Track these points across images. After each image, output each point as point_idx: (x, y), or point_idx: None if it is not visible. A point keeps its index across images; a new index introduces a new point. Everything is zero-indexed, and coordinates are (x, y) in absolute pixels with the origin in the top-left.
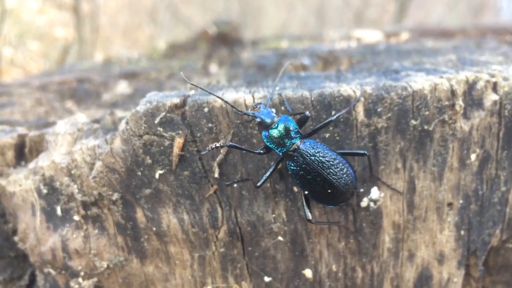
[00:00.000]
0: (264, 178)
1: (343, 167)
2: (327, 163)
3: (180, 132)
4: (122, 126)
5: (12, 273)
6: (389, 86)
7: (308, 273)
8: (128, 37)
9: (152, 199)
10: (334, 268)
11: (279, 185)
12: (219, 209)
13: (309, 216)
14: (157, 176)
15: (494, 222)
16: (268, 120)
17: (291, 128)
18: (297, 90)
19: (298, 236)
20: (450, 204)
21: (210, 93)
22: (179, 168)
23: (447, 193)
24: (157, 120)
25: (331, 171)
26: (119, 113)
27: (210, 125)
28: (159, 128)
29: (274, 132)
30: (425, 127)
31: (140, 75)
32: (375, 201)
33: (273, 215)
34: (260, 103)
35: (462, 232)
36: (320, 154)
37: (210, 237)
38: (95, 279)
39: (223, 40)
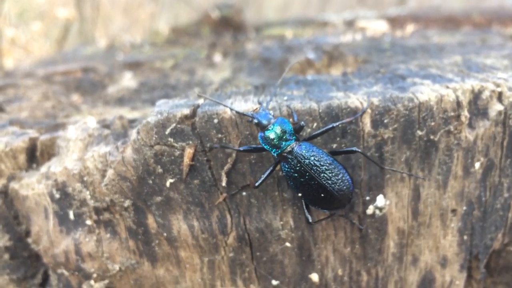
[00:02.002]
0: (262, 179)
1: (338, 172)
2: (321, 167)
3: (190, 142)
4: (133, 135)
5: (25, 272)
6: (396, 98)
7: (314, 277)
8: (128, 15)
9: (163, 206)
10: (340, 272)
11: (286, 193)
12: (228, 216)
13: (309, 218)
14: (167, 184)
15: (497, 226)
16: (264, 122)
17: (286, 130)
18: (305, 101)
19: (305, 242)
20: (453, 211)
21: (221, 104)
22: (189, 177)
23: (451, 200)
24: (167, 131)
25: (325, 175)
26: (127, 113)
27: (219, 135)
28: (169, 139)
29: (269, 134)
30: (431, 137)
31: (144, 64)
32: (380, 209)
33: (281, 222)
34: (261, 105)
35: (465, 237)
36: (315, 158)
37: (220, 243)
38: (107, 281)
39: (226, 24)
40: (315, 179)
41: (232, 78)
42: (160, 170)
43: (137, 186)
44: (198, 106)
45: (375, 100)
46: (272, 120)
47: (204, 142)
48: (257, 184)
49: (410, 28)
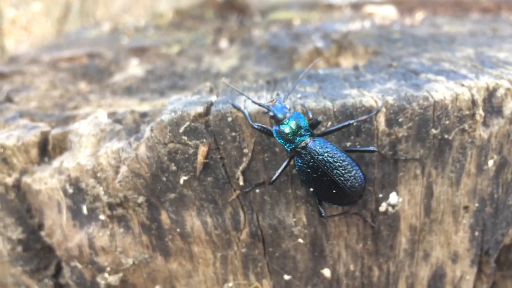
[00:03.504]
0: (277, 174)
1: (351, 169)
2: (334, 163)
3: (204, 140)
4: (147, 133)
5: (38, 263)
6: (411, 96)
7: (326, 272)
8: None
9: (177, 203)
10: (351, 267)
11: (300, 191)
12: (241, 213)
13: (322, 212)
14: (181, 182)
15: (508, 222)
16: (280, 116)
17: (301, 126)
18: (319, 99)
19: (317, 238)
20: (466, 207)
21: (242, 94)
22: (203, 174)
23: (463, 197)
24: (181, 129)
25: (338, 172)
26: (136, 105)
27: (233, 134)
28: (183, 137)
29: (284, 128)
30: (445, 136)
31: (149, 50)
32: (393, 206)
33: (294, 219)
34: (278, 97)
35: (477, 233)
36: (329, 154)
37: (233, 238)
38: (121, 274)
39: (231, 7)
40: (327, 175)
41: (240, 66)
42: (174, 168)
43: (150, 183)
44: (212, 103)
45: (390, 99)
46: (288, 115)
47: (218, 140)
48: (272, 180)
49: (419, 15)
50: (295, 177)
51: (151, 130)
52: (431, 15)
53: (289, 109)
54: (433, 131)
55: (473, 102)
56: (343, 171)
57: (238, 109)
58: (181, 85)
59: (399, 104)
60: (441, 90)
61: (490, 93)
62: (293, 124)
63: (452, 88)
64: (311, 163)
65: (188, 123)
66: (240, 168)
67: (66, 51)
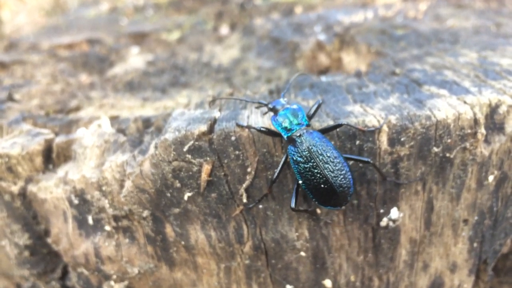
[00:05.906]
0: (276, 173)
1: (342, 168)
2: (327, 158)
3: (208, 158)
4: (151, 150)
5: (45, 267)
6: (413, 116)
7: (327, 283)
8: None
9: (181, 217)
10: (352, 278)
11: (302, 207)
12: (244, 227)
13: (293, 204)
14: (185, 198)
15: (506, 233)
16: (278, 106)
17: (298, 114)
18: (322, 117)
19: (319, 251)
20: (465, 221)
21: (243, 99)
22: (207, 191)
23: (463, 211)
24: (185, 148)
25: (329, 166)
26: (139, 108)
27: (237, 152)
28: (187, 155)
29: (281, 116)
30: (447, 154)
31: (149, 35)
32: (394, 221)
33: (296, 234)
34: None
35: (475, 244)
36: (323, 147)
37: (236, 251)
38: (126, 282)
39: None
40: (319, 167)
41: (241, 58)
42: (178, 185)
43: (155, 198)
44: (215, 120)
45: (393, 119)
46: (286, 106)
47: (222, 158)
48: (273, 179)
49: (422, 5)
50: (298, 194)
51: (156, 147)
52: (434, 4)
53: (288, 102)
54: (435, 149)
55: (475, 121)
56: (334, 167)
57: (242, 127)
58: (183, 82)
59: (402, 124)
60: (443, 109)
61: (492, 110)
62: (289, 112)
63: (455, 106)
64: (304, 153)
65: (192, 142)
66: (244, 185)
67: (65, 37)
